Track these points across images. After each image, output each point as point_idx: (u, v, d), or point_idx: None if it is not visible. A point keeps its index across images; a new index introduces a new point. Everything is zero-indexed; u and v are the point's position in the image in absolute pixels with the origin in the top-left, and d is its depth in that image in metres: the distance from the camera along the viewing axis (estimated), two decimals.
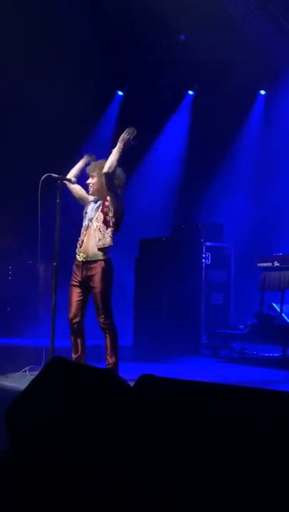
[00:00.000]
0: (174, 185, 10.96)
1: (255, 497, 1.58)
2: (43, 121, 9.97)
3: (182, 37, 9.69)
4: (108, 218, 5.70)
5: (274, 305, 8.33)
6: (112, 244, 5.73)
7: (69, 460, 1.95)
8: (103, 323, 5.65)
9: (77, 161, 6.15)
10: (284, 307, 8.20)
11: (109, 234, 5.72)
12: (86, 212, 5.86)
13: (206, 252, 8.97)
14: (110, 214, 5.70)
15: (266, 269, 8.17)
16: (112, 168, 5.57)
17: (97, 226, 5.69)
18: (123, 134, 5.67)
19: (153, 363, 7.45)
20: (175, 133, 11.04)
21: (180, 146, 11.03)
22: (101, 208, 5.73)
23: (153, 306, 9.25)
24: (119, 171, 5.75)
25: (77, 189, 6.03)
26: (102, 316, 5.63)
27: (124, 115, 10.97)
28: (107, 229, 5.67)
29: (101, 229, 5.67)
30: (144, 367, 6.72)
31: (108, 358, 5.66)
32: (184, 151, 11.00)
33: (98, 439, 1.93)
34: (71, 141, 10.08)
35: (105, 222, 5.69)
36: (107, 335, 5.66)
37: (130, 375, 2.44)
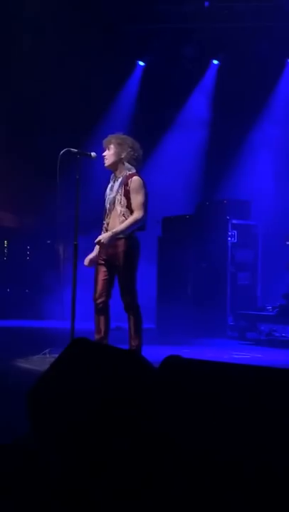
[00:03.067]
0: (198, 159, 10.71)
1: None
2: (62, 94, 9.77)
3: (206, 3, 9.43)
4: (131, 204, 5.51)
5: None
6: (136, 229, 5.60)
7: (91, 444, 1.88)
8: (127, 304, 5.50)
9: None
10: None
11: None
12: (106, 193, 5.64)
13: (232, 230, 8.81)
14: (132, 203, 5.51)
15: None
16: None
17: (121, 211, 5.53)
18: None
19: (177, 345, 7.33)
20: (199, 105, 10.78)
21: (204, 119, 10.76)
22: (123, 191, 5.50)
23: (177, 287, 9.12)
24: (134, 144, 5.57)
25: None
26: (126, 296, 5.48)
27: (146, 86, 10.74)
28: (131, 214, 5.47)
29: (125, 215, 5.52)
30: (168, 349, 6.53)
31: (131, 340, 5.53)
32: (207, 124, 10.73)
33: (122, 421, 1.85)
34: (90, 115, 9.86)
35: (129, 207, 5.50)
36: (131, 316, 5.54)
37: (154, 357, 2.29)
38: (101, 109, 10.48)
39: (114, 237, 5.40)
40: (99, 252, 5.63)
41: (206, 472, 1.65)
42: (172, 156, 10.67)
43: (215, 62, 10.54)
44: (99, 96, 10.17)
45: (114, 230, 5.40)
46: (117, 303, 5.62)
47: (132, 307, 5.49)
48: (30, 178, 10.10)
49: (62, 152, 5.60)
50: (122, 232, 5.41)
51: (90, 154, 5.81)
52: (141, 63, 10.92)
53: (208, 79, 10.71)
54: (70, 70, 9.81)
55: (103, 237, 5.42)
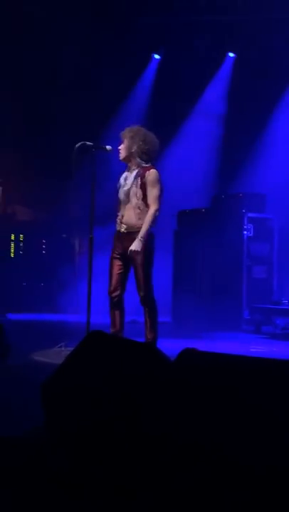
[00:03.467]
0: (213, 152, 10.64)
1: None
2: (77, 87, 9.75)
3: None
4: (147, 197, 5.48)
5: None
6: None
7: (106, 436, 1.89)
8: (143, 298, 5.49)
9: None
10: None
11: None
12: (120, 184, 5.61)
13: (247, 223, 8.74)
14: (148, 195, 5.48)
15: None
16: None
17: (136, 204, 5.50)
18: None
19: (193, 338, 7.30)
20: (214, 98, 10.70)
21: (220, 112, 10.68)
22: (139, 183, 5.47)
23: (192, 280, 9.08)
24: (146, 137, 5.53)
25: None
26: (142, 290, 5.47)
27: (161, 79, 10.68)
28: (146, 207, 5.44)
29: (141, 207, 5.49)
30: (183, 343, 6.49)
31: (147, 333, 5.52)
32: (223, 117, 10.65)
33: (138, 414, 1.86)
34: (106, 108, 9.82)
35: (145, 201, 5.48)
36: (147, 310, 5.52)
37: (170, 351, 2.27)
38: (117, 102, 10.44)
39: (144, 242, 5.38)
40: (114, 245, 5.61)
41: (220, 466, 1.64)
42: (188, 149, 10.61)
43: (231, 54, 10.45)
44: (115, 89, 10.13)
45: (140, 235, 5.38)
46: (132, 296, 5.61)
47: (147, 301, 5.47)
48: (45, 171, 10.09)
49: (77, 145, 5.58)
50: (147, 232, 5.40)
51: (106, 148, 5.78)
52: (156, 56, 10.86)
53: (224, 72, 10.63)
54: (86, 64, 9.77)
55: (135, 246, 5.39)
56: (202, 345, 6.32)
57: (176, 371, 1.96)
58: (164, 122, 9.83)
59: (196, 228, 9.06)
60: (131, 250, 5.38)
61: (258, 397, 1.72)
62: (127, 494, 1.75)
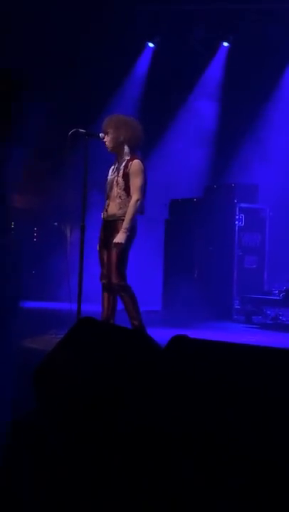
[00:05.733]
0: (206, 142, 10.63)
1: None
2: (71, 75, 9.69)
3: None
4: (129, 187, 5.53)
5: None
6: None
7: (96, 422, 1.87)
8: (116, 285, 5.52)
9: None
10: None
11: None
12: (108, 176, 5.66)
13: (239, 213, 8.76)
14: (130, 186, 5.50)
15: None
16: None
17: (118, 193, 5.54)
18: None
19: (183, 327, 7.27)
20: (208, 87, 10.67)
21: (213, 102, 10.66)
22: (122, 173, 5.49)
23: (183, 270, 9.08)
24: (131, 122, 5.56)
25: None
26: (114, 275, 5.50)
27: (155, 68, 10.62)
28: (128, 197, 5.44)
29: (122, 197, 5.52)
30: (173, 331, 6.54)
31: (133, 320, 5.57)
32: (216, 107, 10.63)
33: (128, 400, 1.86)
34: (100, 97, 9.77)
35: (127, 191, 5.51)
36: (124, 297, 5.56)
37: (159, 339, 2.27)
38: (110, 90, 10.39)
39: (127, 233, 5.39)
40: (99, 234, 5.66)
41: (210, 455, 1.63)
42: (181, 139, 10.60)
43: (225, 44, 10.41)
44: (108, 77, 10.09)
45: (124, 227, 5.41)
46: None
47: (121, 288, 5.51)
48: (36, 158, 10.04)
49: (70, 132, 5.59)
50: (129, 223, 5.41)
51: (99, 135, 5.78)
52: (150, 45, 10.81)
53: (218, 61, 10.59)
54: (79, 51, 9.71)
55: (118, 238, 5.41)
56: (192, 334, 6.37)
57: (166, 358, 1.95)
58: (158, 111, 9.81)
59: (188, 218, 9.07)
60: (114, 243, 5.42)
61: (251, 384, 1.72)
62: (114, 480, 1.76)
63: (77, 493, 1.80)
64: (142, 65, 10.79)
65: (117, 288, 5.52)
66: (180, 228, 9.12)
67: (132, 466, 1.74)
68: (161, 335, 3.20)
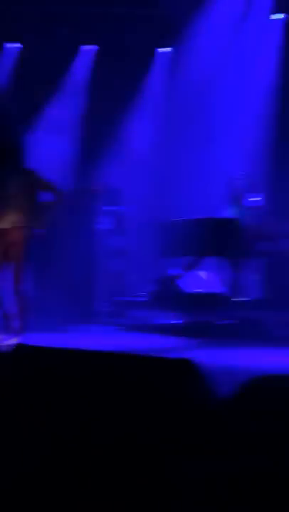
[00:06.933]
0: (70, 146, 10.60)
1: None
2: None
3: None
4: None
5: (174, 272, 8.19)
6: None
7: None
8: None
9: None
10: (186, 273, 8.08)
11: None
12: None
13: (103, 216, 8.80)
14: None
15: (167, 233, 8.01)
16: None
17: None
18: None
19: (51, 333, 7.22)
20: (74, 89, 10.63)
21: (78, 105, 10.63)
22: None
23: (50, 277, 8.91)
24: None
25: None
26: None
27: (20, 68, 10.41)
28: None
29: None
30: (42, 337, 6.56)
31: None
32: (82, 110, 10.62)
33: None
34: None
35: None
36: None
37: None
38: None
39: None
40: None
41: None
42: (46, 141, 10.49)
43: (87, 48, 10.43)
44: None
45: None
46: None
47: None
48: None
49: None
50: None
51: None
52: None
53: (83, 63, 10.58)
54: None
55: None
56: (58, 338, 6.31)
57: (10, 369, 1.97)
58: (23, 110, 9.63)
59: (52, 223, 8.97)
60: None
61: (92, 389, 1.78)
62: None
63: None
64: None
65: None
66: (44, 234, 8.99)
67: None
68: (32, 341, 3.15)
